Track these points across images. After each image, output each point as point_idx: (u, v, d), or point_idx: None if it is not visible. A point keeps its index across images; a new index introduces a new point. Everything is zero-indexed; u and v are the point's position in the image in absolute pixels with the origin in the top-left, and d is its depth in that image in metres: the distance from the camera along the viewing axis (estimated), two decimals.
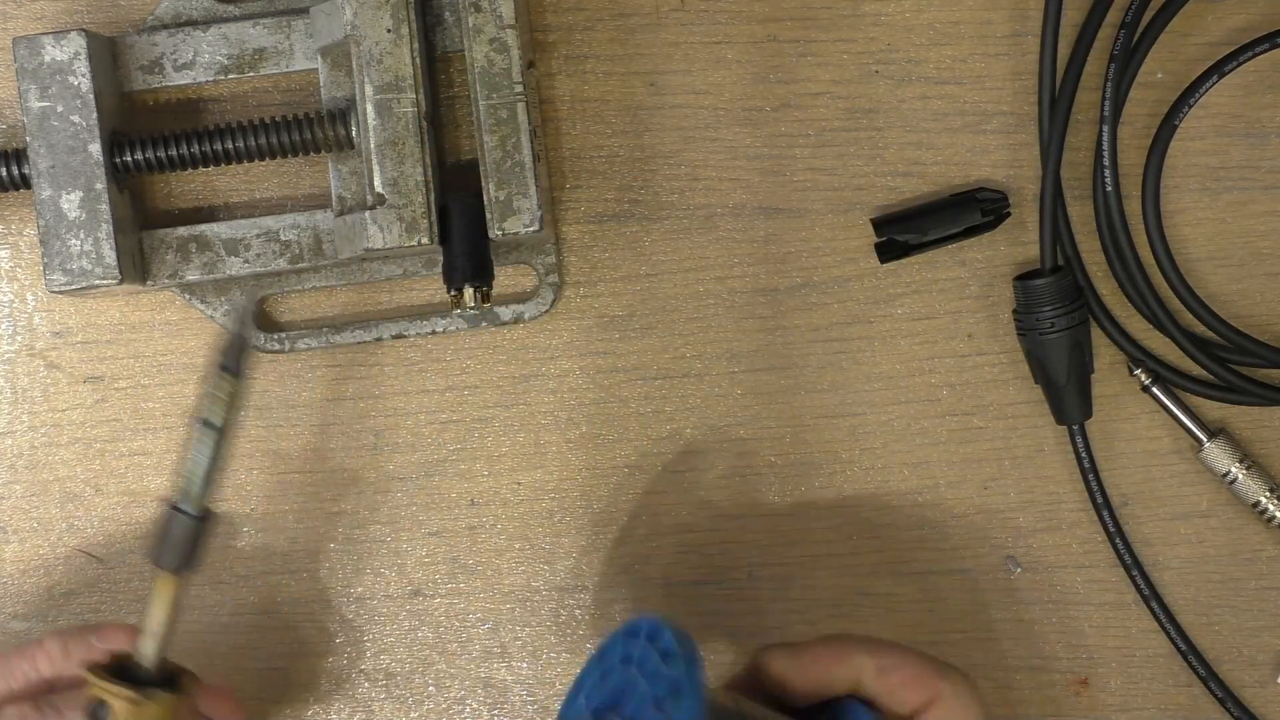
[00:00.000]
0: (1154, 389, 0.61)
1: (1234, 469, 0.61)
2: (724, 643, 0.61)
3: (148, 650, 0.51)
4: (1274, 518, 0.61)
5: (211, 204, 0.61)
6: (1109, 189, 0.58)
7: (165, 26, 0.59)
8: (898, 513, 0.62)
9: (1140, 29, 0.59)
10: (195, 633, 0.61)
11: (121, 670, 0.51)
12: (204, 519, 0.51)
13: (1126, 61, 0.59)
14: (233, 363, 0.50)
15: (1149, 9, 0.59)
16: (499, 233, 0.56)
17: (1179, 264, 0.59)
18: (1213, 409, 0.62)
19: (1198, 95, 0.58)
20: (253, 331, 0.51)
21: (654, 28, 0.61)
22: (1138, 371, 0.61)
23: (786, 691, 0.53)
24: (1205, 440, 0.61)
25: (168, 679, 0.51)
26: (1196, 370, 0.61)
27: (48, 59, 0.56)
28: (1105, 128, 0.58)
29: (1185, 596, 0.62)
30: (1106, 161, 0.58)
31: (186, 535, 0.51)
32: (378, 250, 0.56)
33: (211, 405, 0.50)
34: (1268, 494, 0.61)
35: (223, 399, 0.50)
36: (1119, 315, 0.61)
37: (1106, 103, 0.58)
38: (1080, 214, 0.61)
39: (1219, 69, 0.58)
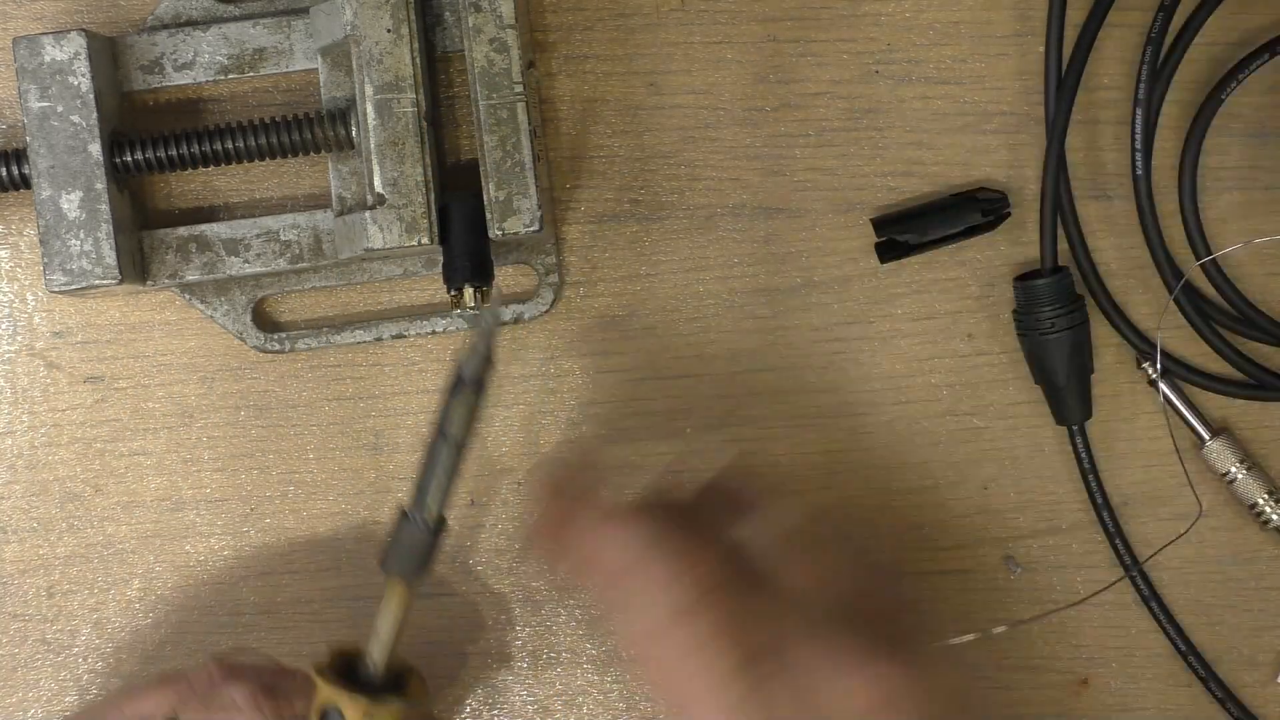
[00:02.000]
0: (1160, 384, 0.61)
1: (1234, 469, 0.61)
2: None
3: (376, 654, 0.52)
4: (1270, 520, 0.61)
5: (211, 204, 0.61)
6: (1139, 173, 0.58)
7: (165, 26, 0.59)
8: (898, 513, 0.61)
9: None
10: (196, 633, 0.61)
11: (347, 671, 0.52)
12: (438, 530, 0.52)
13: (1161, 46, 0.59)
14: (475, 377, 0.51)
15: None
16: (499, 233, 0.56)
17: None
18: (1215, 409, 0.62)
19: (1247, 72, 0.58)
20: (497, 347, 0.52)
21: (654, 28, 0.61)
22: (1145, 365, 0.61)
23: None
24: (1207, 438, 0.61)
25: (394, 682, 0.52)
26: (1206, 364, 0.61)
27: (48, 59, 0.56)
28: (1139, 110, 0.58)
29: (1185, 596, 0.62)
30: (1139, 145, 0.58)
31: (419, 545, 0.52)
32: (378, 250, 0.56)
33: (452, 417, 0.51)
34: (1265, 496, 0.61)
35: (463, 412, 0.51)
36: (1127, 309, 0.61)
37: (1141, 85, 0.58)
38: (1085, 213, 0.60)
39: (1271, 48, 0.58)
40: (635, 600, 0.47)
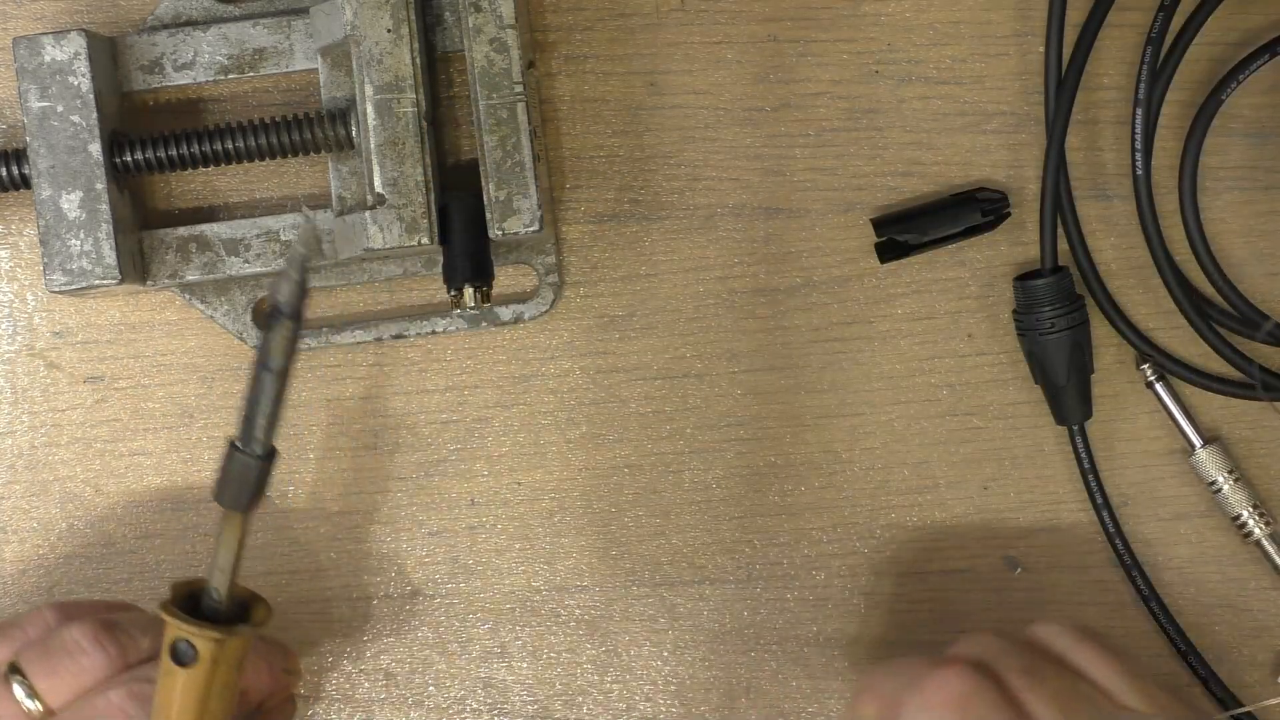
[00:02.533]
0: (1157, 386, 0.61)
1: (1221, 478, 0.61)
2: (724, 643, 0.61)
3: (219, 585, 0.51)
4: (1252, 533, 0.61)
5: (211, 204, 0.61)
6: (1139, 173, 0.58)
7: (165, 26, 0.59)
8: (898, 513, 0.62)
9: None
10: None
11: (193, 605, 0.51)
12: (267, 459, 0.51)
13: (1161, 45, 0.59)
14: (291, 306, 0.50)
15: None
16: (499, 233, 0.56)
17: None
18: (1211, 412, 0.62)
19: (1247, 72, 0.58)
20: (310, 274, 0.51)
21: (654, 28, 0.61)
22: (1144, 366, 0.61)
23: None
24: (1197, 445, 0.61)
25: (240, 611, 0.52)
26: (1206, 365, 0.61)
27: (48, 59, 0.56)
28: (1139, 110, 0.58)
29: (1185, 596, 0.62)
30: (1139, 145, 0.58)
31: (251, 475, 0.51)
32: (378, 250, 0.56)
33: (270, 349, 0.50)
34: (1249, 509, 0.61)
35: (281, 342, 0.50)
36: (1127, 310, 0.61)
37: (1141, 85, 0.58)
38: (1085, 213, 0.60)
39: (1270, 49, 0.58)
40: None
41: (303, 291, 0.50)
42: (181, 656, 0.50)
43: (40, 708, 0.52)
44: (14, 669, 0.52)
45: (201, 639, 0.50)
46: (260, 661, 0.55)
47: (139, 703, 0.51)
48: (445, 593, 0.61)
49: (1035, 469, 0.62)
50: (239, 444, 0.51)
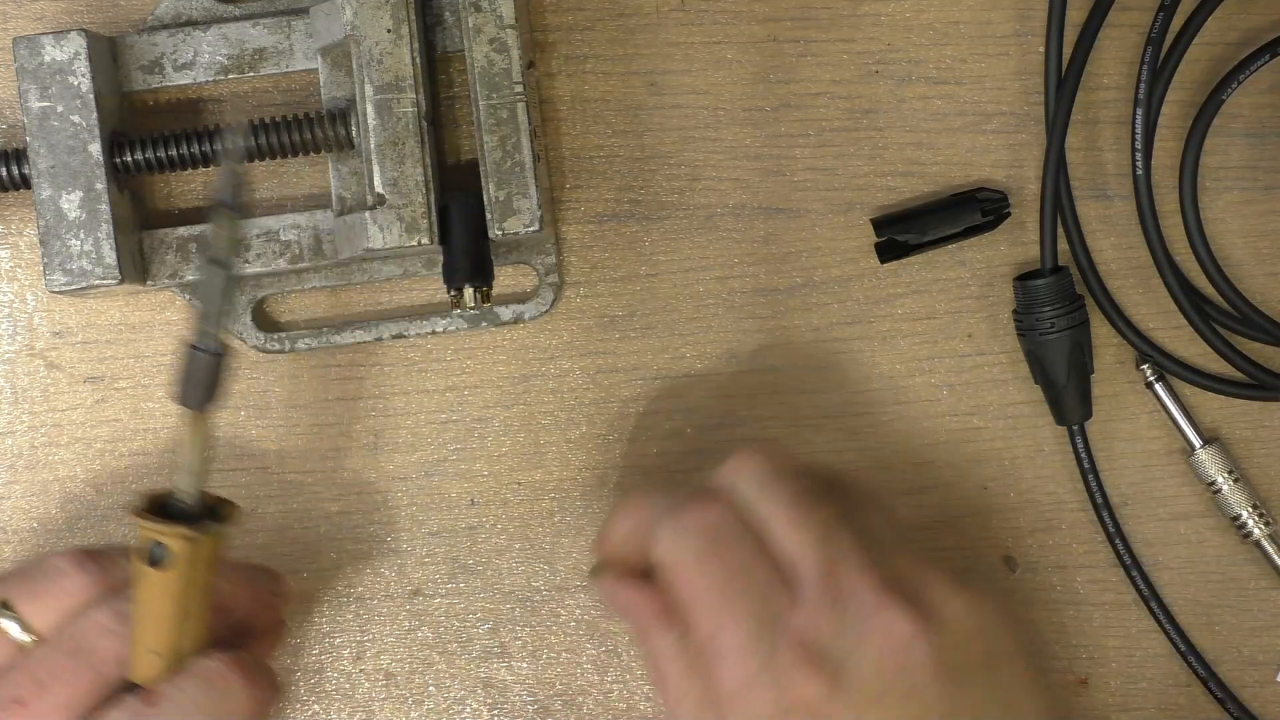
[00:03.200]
0: (1156, 387, 0.61)
1: (1220, 479, 0.61)
2: None
3: (187, 487, 0.52)
4: (1251, 534, 0.61)
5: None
6: (1139, 173, 0.58)
7: (165, 26, 0.59)
8: (898, 512, 0.61)
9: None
10: None
11: (163, 510, 0.52)
12: (221, 354, 0.52)
13: (1161, 45, 0.59)
14: (229, 197, 0.51)
15: None
16: (499, 233, 0.56)
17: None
18: (1211, 412, 0.62)
19: (1247, 72, 0.58)
20: (244, 164, 0.56)
21: (654, 28, 0.61)
22: (1144, 366, 0.61)
23: None
24: (1197, 446, 0.61)
25: (210, 511, 0.52)
26: (1206, 365, 0.61)
27: (48, 59, 0.56)
28: (1139, 110, 0.58)
29: (1185, 596, 0.62)
30: (1139, 145, 0.58)
31: (208, 371, 0.52)
32: (378, 250, 0.56)
33: (216, 243, 0.51)
34: (1249, 509, 0.61)
35: (225, 235, 0.51)
36: (1127, 310, 0.61)
37: (1141, 85, 0.58)
38: (1085, 213, 0.60)
39: (1270, 49, 0.58)
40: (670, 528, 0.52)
41: (239, 182, 0.52)
42: (155, 558, 0.51)
43: (31, 639, 0.52)
44: (3, 605, 0.53)
45: (173, 538, 0.50)
46: (240, 576, 0.56)
47: (124, 620, 0.52)
48: (445, 593, 0.61)
49: (1035, 469, 0.62)
50: (196, 343, 0.51)
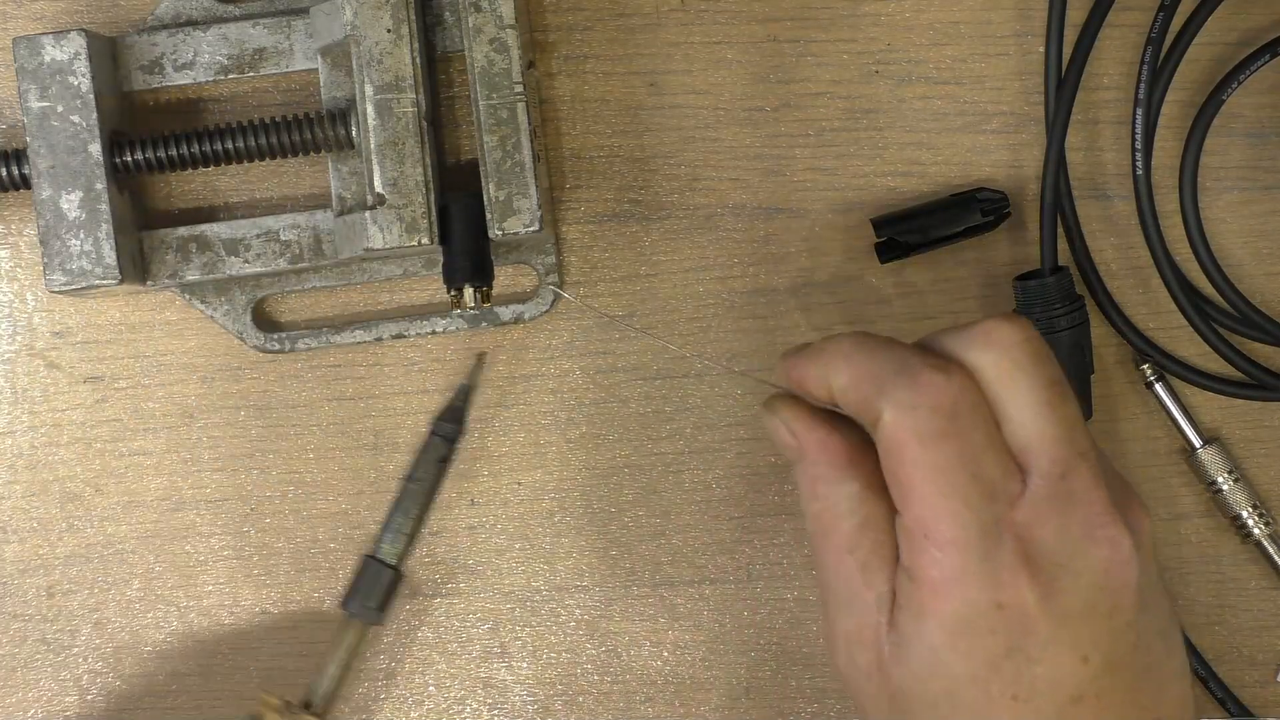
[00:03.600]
0: (1156, 386, 0.61)
1: (1221, 479, 0.61)
2: (724, 643, 0.61)
3: (323, 691, 0.57)
4: (1251, 534, 0.61)
5: (211, 204, 0.61)
6: (1139, 173, 0.58)
7: (165, 26, 0.59)
8: None
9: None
10: (195, 632, 0.61)
11: (288, 705, 0.56)
12: (401, 574, 0.57)
13: (1161, 45, 0.59)
14: (449, 430, 0.57)
15: None
16: (499, 233, 0.56)
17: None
18: (1211, 412, 0.62)
19: (1247, 72, 0.58)
20: (471, 404, 0.59)
21: (654, 28, 0.61)
22: (1144, 366, 0.61)
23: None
24: (1198, 445, 0.61)
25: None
26: (1206, 365, 0.61)
27: (48, 59, 0.56)
28: (1139, 110, 0.58)
29: (1185, 596, 0.62)
30: (1139, 145, 0.58)
31: (381, 587, 0.57)
32: (378, 250, 0.56)
33: (423, 464, 0.56)
34: (1249, 509, 0.61)
35: (434, 460, 0.56)
36: (1127, 310, 0.61)
37: (1141, 85, 0.58)
38: (1085, 213, 0.60)
39: (1271, 49, 0.58)
40: (899, 398, 0.47)
41: (462, 422, 0.57)
42: None
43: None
44: None
45: None
46: None
47: None
48: (445, 593, 0.61)
49: None
50: (378, 555, 0.56)
